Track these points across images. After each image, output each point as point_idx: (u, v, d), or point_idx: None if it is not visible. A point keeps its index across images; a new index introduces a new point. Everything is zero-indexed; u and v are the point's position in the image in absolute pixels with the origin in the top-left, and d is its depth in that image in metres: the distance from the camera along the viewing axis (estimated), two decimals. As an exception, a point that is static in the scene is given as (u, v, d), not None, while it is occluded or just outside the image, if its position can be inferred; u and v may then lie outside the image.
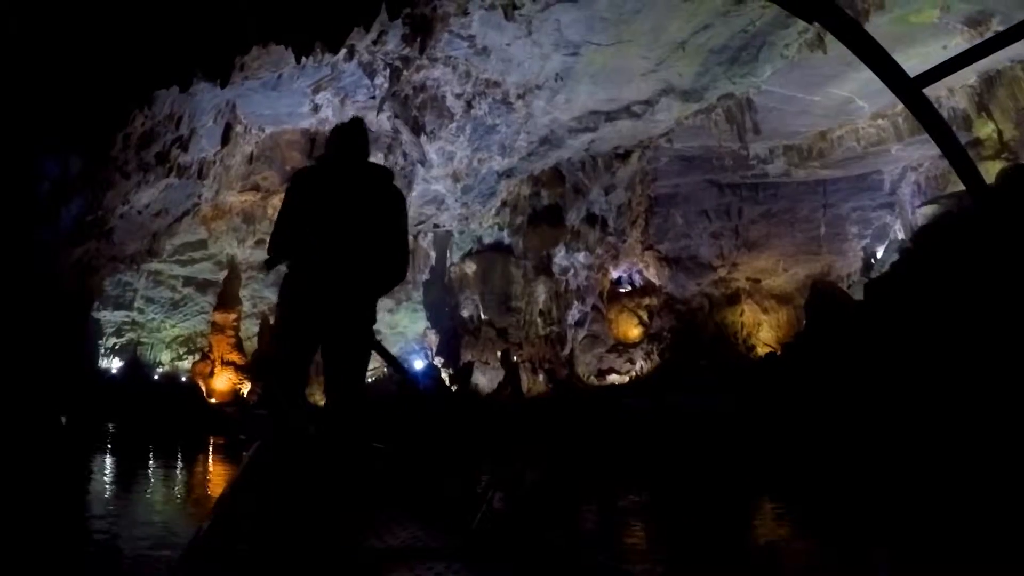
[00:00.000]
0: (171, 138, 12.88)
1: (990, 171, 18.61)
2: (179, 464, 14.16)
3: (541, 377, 20.86)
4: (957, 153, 2.33)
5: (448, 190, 18.60)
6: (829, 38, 15.28)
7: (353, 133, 3.73)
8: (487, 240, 21.07)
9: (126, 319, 23.02)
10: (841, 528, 7.16)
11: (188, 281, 23.21)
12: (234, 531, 3.50)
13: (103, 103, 9.82)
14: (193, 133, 13.76)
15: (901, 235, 23.70)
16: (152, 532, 7.28)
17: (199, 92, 12.54)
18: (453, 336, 20.56)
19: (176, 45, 8.98)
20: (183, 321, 23.38)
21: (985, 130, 19.11)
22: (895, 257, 20.28)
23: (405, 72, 14.68)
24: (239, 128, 15.65)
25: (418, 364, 20.04)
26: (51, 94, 9.44)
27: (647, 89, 16.90)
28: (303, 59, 11.48)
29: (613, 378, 22.64)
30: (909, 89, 2.38)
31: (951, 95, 19.27)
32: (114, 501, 9.48)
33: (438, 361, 20.36)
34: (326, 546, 3.25)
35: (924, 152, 21.90)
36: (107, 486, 10.95)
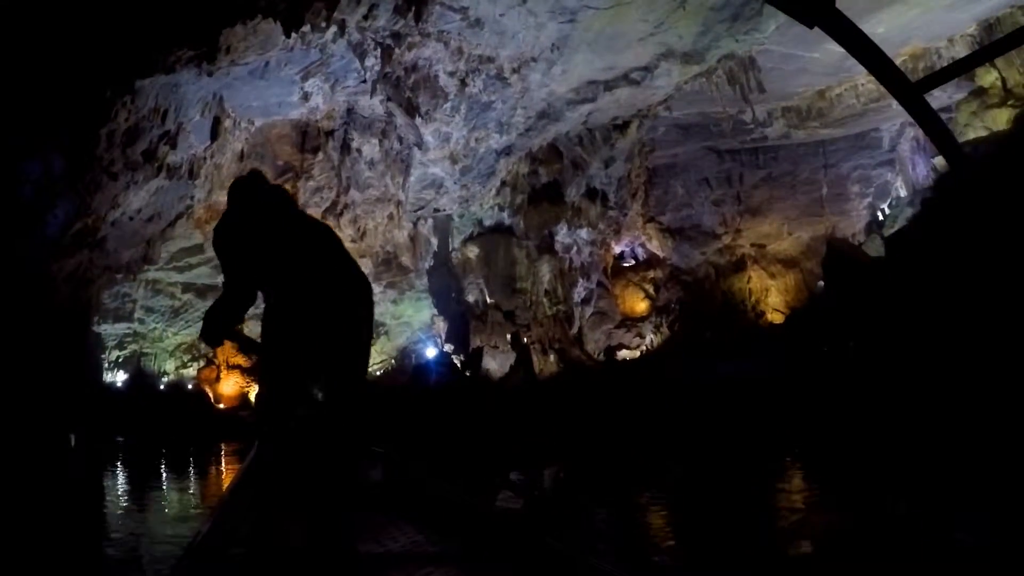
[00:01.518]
0: (158, 134, 11.95)
1: (997, 119, 17.93)
2: (192, 475, 13.34)
3: (552, 357, 20.07)
4: (961, 162, 2.30)
5: (447, 172, 17.70)
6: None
7: (261, 180, 3.70)
8: (487, 222, 20.20)
9: (127, 331, 22.08)
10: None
11: (187, 287, 22.24)
12: (231, 534, 3.52)
13: (83, 94, 8.89)
14: (180, 128, 12.82)
15: (903, 192, 23.08)
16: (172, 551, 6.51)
17: (184, 83, 11.64)
18: (461, 322, 19.71)
19: (157, 25, 8.06)
20: (185, 328, 22.44)
21: (988, 78, 18.42)
22: (907, 212, 19.62)
23: (397, 51, 13.77)
24: (228, 122, 14.72)
25: (430, 352, 19.22)
26: (26, 87, 8.51)
27: (645, 54, 16.03)
28: (292, 37, 10.63)
29: (623, 354, 21.91)
30: (910, 94, 2.32)
31: (951, 45, 18.50)
32: (133, 519, 8.66)
33: (448, 348, 19.50)
34: (324, 550, 3.21)
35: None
36: (124, 503, 10.14)
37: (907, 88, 2.32)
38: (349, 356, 3.49)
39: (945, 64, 19.00)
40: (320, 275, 3.43)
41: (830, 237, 18.65)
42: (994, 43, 2.26)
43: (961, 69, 2.32)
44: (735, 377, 12.22)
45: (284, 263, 3.43)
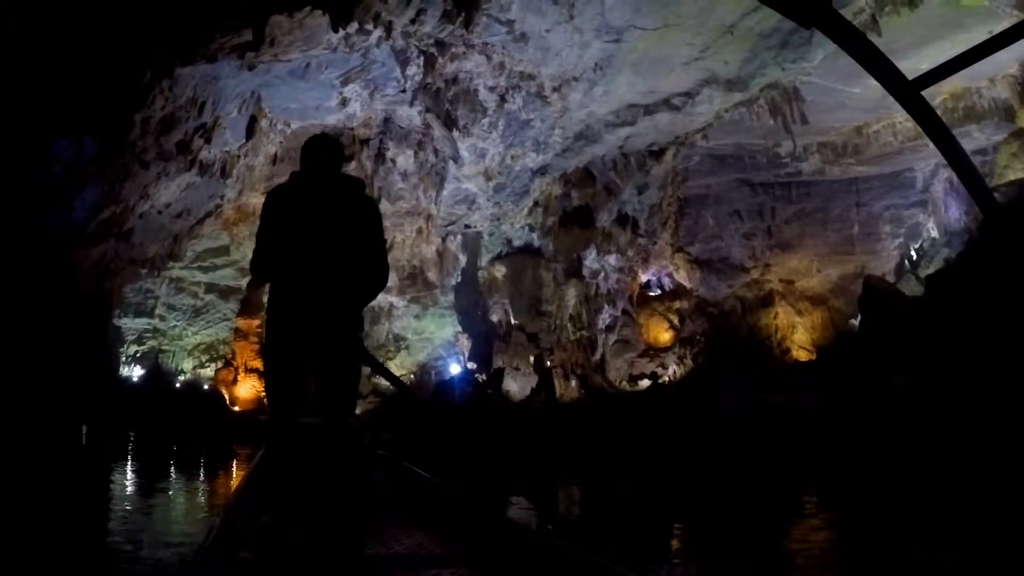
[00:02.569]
0: (193, 125, 11.56)
1: (1039, 163, 17.31)
2: (202, 478, 12.78)
3: (573, 383, 19.44)
4: (958, 157, 2.25)
5: (480, 189, 17.24)
6: (884, 19, 14.08)
7: (324, 146, 3.65)
8: (516, 242, 19.67)
9: (147, 327, 21.64)
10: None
11: (210, 287, 21.83)
12: (239, 538, 3.44)
13: (122, 75, 8.48)
14: (217, 123, 12.44)
15: (935, 233, 22.42)
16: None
17: (224, 76, 11.27)
18: (485, 341, 19.13)
19: (204, 6, 7.64)
20: (205, 328, 21.99)
21: (1028, 119, 17.79)
22: (943, 252, 18.95)
23: (440, 60, 13.36)
24: (264, 123, 14.35)
25: (454, 368, 18.64)
26: (65, 64, 8.11)
27: (688, 79, 15.59)
28: (336, 36, 10.21)
29: (645, 383, 21.22)
30: (908, 92, 2.31)
31: (992, 85, 17.99)
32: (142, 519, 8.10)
33: (471, 366, 18.93)
34: (330, 553, 3.18)
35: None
36: (134, 500, 9.60)
37: (905, 86, 2.28)
38: (337, 346, 3.43)
39: (986, 105, 18.64)
40: (316, 259, 3.40)
41: (867, 275, 17.98)
42: (995, 37, 2.13)
43: (958, 66, 2.23)
44: (778, 409, 11.56)
45: (289, 236, 3.44)
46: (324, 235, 3.42)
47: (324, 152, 3.63)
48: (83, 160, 9.17)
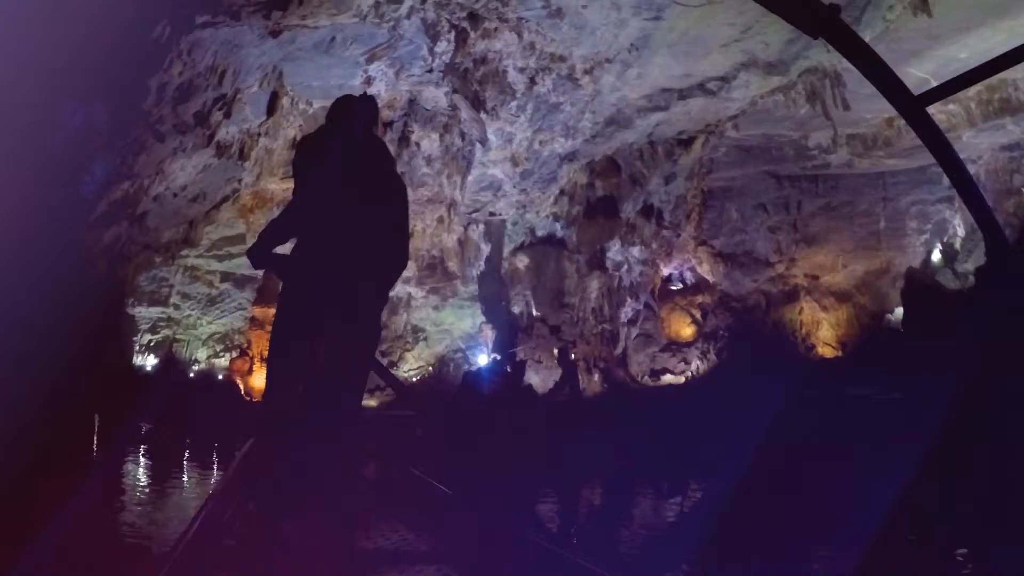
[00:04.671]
0: (212, 96, 10.49)
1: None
2: (214, 467, 11.85)
3: (596, 377, 18.37)
4: (961, 176, 2.19)
5: (506, 175, 16.15)
6: (932, 1, 13.06)
7: (365, 108, 3.44)
8: (540, 232, 18.57)
9: (161, 315, 20.64)
10: None
11: (226, 276, 20.78)
12: (222, 528, 3.36)
13: (137, 33, 7.39)
14: (237, 97, 11.38)
15: (961, 230, 21.38)
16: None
17: (245, 44, 10.24)
18: (509, 331, 18.05)
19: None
20: (220, 317, 20.97)
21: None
22: (983, 246, 17.89)
23: (471, 35, 12.28)
24: (285, 100, 13.28)
25: (482, 359, 17.57)
26: (72, 20, 7.02)
27: (726, 63, 14.53)
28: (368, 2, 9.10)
29: (668, 378, 20.17)
30: (911, 106, 2.25)
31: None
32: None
33: (496, 357, 17.83)
34: (314, 544, 3.12)
35: (994, 140, 19.59)
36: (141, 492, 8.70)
37: (909, 101, 2.22)
38: (350, 327, 3.17)
39: (1022, 97, 17.59)
40: (336, 222, 3.11)
41: (909, 268, 16.90)
42: (1006, 54, 1.97)
43: (964, 84, 2.13)
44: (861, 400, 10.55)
45: (313, 198, 3.18)
46: (348, 215, 3.11)
47: (364, 116, 3.38)
48: (93, 129, 8.11)
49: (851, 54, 2.29)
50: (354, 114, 3.36)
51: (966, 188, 2.15)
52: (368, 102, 3.50)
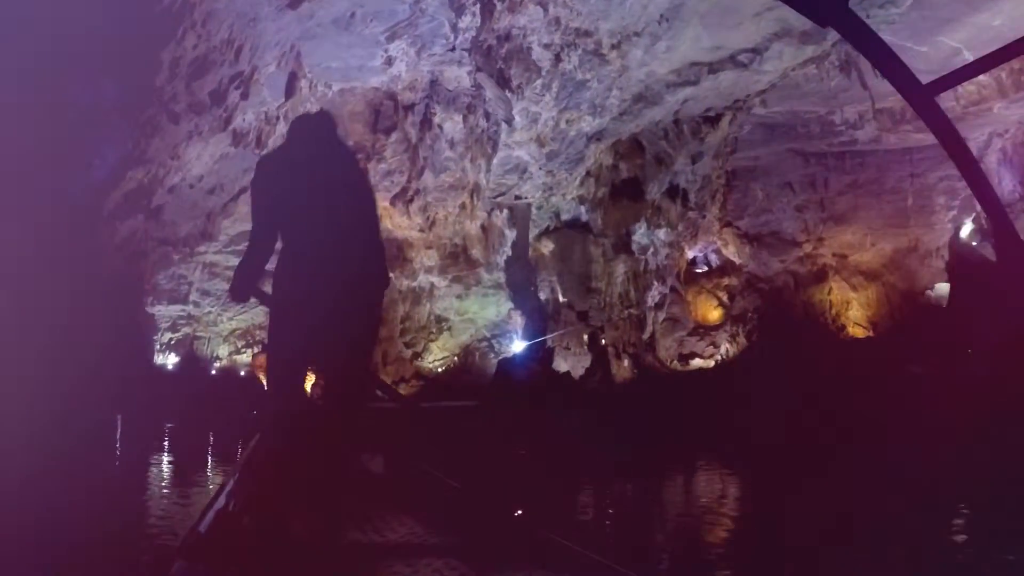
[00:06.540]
0: (229, 73, 9.68)
1: None
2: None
3: (626, 362, 17.52)
4: (969, 164, 2.17)
5: (532, 156, 15.25)
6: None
7: (320, 120, 3.41)
8: (565, 216, 17.67)
9: (181, 313, 19.84)
10: None
11: (245, 272, 20.02)
12: (232, 523, 3.29)
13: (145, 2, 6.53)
14: (255, 75, 10.53)
15: (988, 205, 20.41)
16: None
17: (263, 18, 9.41)
18: (539, 317, 17.19)
19: None
20: (240, 314, 20.16)
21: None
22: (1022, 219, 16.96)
23: (498, 7, 11.40)
24: (304, 83, 12.42)
25: (517, 346, 16.71)
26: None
27: (758, 33, 13.63)
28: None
29: (696, 362, 19.31)
30: (921, 96, 2.19)
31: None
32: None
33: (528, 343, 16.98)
34: (323, 539, 3.06)
35: (1024, 113, 18.62)
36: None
37: (918, 90, 2.18)
38: (347, 339, 3.12)
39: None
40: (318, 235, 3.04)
41: (952, 240, 15.97)
42: (1016, 42, 1.98)
43: (975, 71, 2.20)
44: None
45: (291, 211, 3.08)
46: (325, 233, 3.05)
47: (323, 130, 3.29)
48: (103, 107, 7.29)
49: (859, 43, 2.26)
50: (312, 128, 3.31)
51: (975, 180, 2.09)
52: (325, 117, 3.47)
